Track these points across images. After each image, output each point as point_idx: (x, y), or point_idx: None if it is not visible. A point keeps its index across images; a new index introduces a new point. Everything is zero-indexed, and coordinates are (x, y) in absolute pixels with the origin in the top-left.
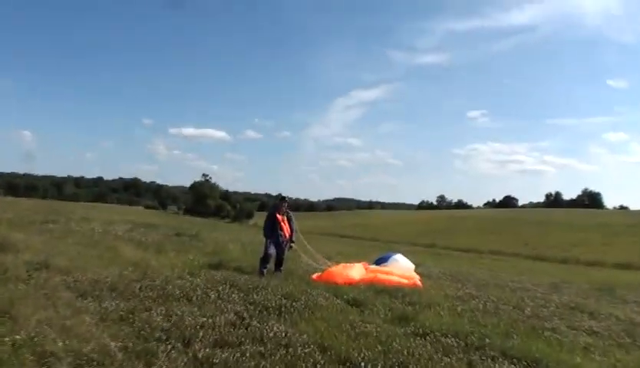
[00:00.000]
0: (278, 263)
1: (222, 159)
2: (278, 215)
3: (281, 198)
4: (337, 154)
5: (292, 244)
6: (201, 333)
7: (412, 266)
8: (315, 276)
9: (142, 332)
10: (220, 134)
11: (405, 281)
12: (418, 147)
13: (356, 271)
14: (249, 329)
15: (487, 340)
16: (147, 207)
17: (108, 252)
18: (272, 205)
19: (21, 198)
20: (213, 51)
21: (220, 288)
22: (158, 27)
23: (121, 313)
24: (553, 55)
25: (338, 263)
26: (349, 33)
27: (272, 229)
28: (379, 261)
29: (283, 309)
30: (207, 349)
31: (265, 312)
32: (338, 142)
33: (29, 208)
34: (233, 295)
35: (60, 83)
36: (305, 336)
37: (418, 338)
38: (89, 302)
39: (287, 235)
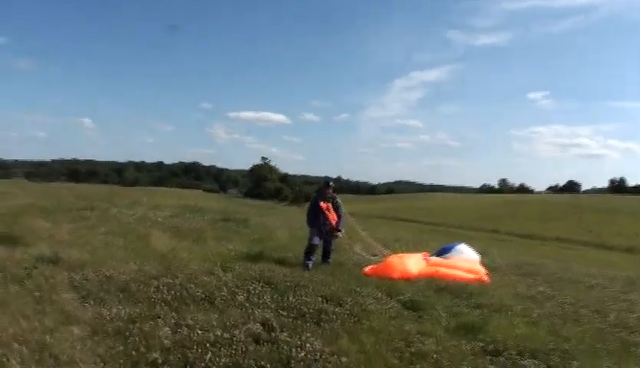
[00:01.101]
0: (326, 254)
1: (282, 142)
2: (321, 203)
3: (325, 183)
4: (397, 136)
5: (339, 233)
6: (209, 355)
7: (477, 257)
8: (367, 269)
9: (134, 352)
10: (279, 117)
11: (470, 276)
12: (479, 129)
13: (415, 264)
14: (274, 346)
15: (574, 363)
16: (207, 190)
17: (137, 242)
18: (316, 191)
19: (81, 183)
20: (271, 35)
21: (252, 287)
22: (216, 11)
23: (120, 323)
24: (616, 35)
25: (394, 252)
26: (407, 13)
27: (315, 217)
28: (441, 252)
29: (323, 316)
30: None
31: (299, 320)
32: (398, 124)
33: (79, 193)
34: (265, 296)
35: (119, 70)
36: (344, 358)
37: (489, 358)
38: (89, 307)
39: (333, 223)
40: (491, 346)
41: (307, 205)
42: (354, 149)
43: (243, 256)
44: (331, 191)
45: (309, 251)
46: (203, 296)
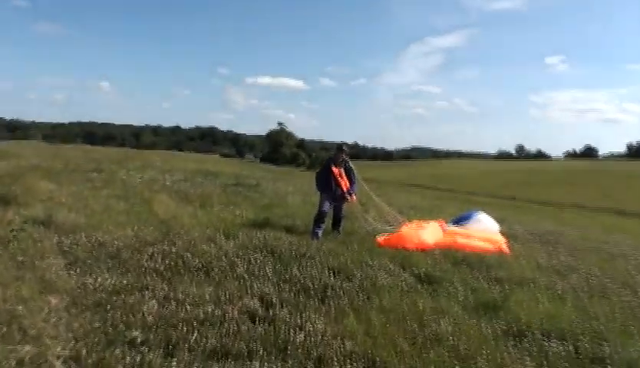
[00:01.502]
0: (336, 221)
1: (299, 107)
2: (334, 168)
3: (338, 148)
4: (413, 102)
5: (351, 197)
6: (195, 335)
7: (496, 227)
8: (380, 239)
9: (112, 328)
10: (296, 83)
11: (489, 247)
12: (496, 94)
13: (431, 233)
14: (271, 325)
15: (606, 347)
16: (224, 155)
17: (140, 206)
18: (329, 157)
19: (97, 146)
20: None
21: (253, 257)
22: None
23: (103, 294)
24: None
25: (409, 220)
26: None
27: (325, 182)
28: (458, 221)
29: (329, 291)
30: (194, 366)
31: (302, 295)
32: (414, 90)
33: (92, 156)
34: (267, 268)
35: (137, 34)
36: (349, 342)
37: (511, 341)
38: (73, 275)
39: (345, 189)
40: (514, 327)
41: (318, 169)
42: (370, 114)
43: (249, 223)
44: (344, 156)
45: (318, 218)
46: (200, 266)
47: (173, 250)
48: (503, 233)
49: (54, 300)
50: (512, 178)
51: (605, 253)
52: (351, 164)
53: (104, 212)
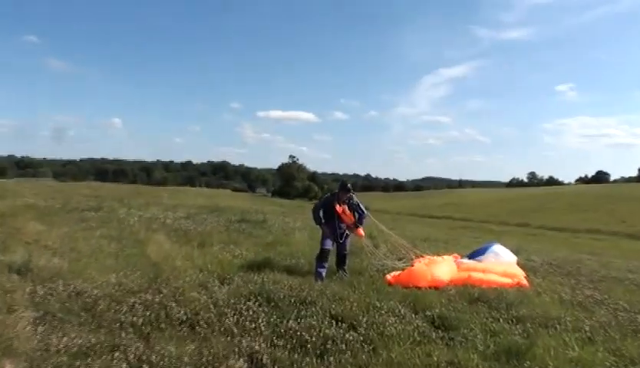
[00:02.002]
0: (340, 259)
1: (311, 140)
2: (336, 206)
3: (342, 187)
4: (425, 132)
5: (357, 228)
6: None
7: (514, 259)
8: (390, 277)
9: None
10: (308, 115)
11: (508, 281)
12: (507, 123)
13: (445, 269)
14: None
15: None
16: (235, 190)
17: (132, 248)
18: (330, 192)
19: (107, 183)
20: (297, 33)
21: (246, 306)
22: (242, 13)
23: (64, 358)
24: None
25: (422, 254)
26: (433, 10)
27: (326, 216)
28: (475, 255)
29: (329, 345)
30: None
31: (298, 352)
32: (425, 121)
33: (97, 193)
34: (260, 319)
35: (149, 71)
36: None
37: None
38: (37, 334)
39: (349, 222)
40: None
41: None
42: (382, 146)
43: (249, 263)
44: (348, 194)
45: (321, 257)
46: (185, 318)
47: (157, 299)
48: (520, 265)
49: (8, 365)
50: (525, 205)
51: (630, 283)
52: (356, 198)
53: (92, 256)
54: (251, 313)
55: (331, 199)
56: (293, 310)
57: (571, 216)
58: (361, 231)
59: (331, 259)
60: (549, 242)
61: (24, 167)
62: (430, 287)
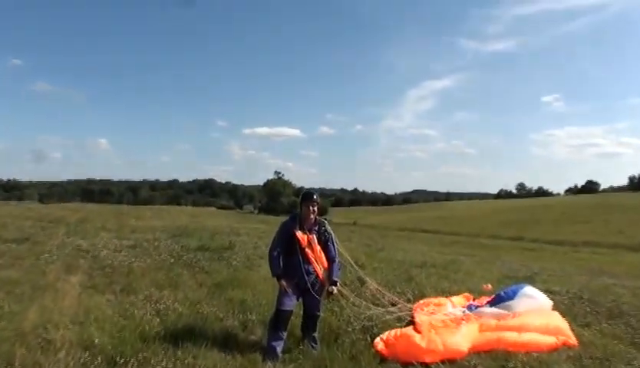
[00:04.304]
0: (309, 322)
1: (297, 156)
2: (298, 234)
3: (304, 197)
4: (412, 146)
5: (334, 288)
6: None
7: (549, 304)
8: (380, 346)
9: None
10: (294, 131)
11: (552, 341)
12: (493, 135)
13: (463, 335)
14: None
15: None
16: (222, 207)
17: (17, 303)
18: (291, 214)
19: (91, 204)
20: (283, 49)
21: None
22: (228, 30)
23: None
24: (625, 33)
25: (422, 296)
26: (417, 23)
27: (286, 258)
28: (498, 301)
29: None
30: None
31: None
32: (412, 134)
33: (52, 217)
34: None
35: (134, 90)
36: None
37: None
38: None
39: (320, 272)
40: None
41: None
42: (369, 160)
43: (171, 327)
44: (313, 211)
45: (276, 322)
46: None
47: None
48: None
49: None
50: (516, 217)
51: None
52: (328, 227)
53: None
54: None
55: (291, 225)
56: None
57: (565, 228)
58: (335, 289)
59: (295, 319)
60: (551, 259)
61: (10, 189)
62: (442, 361)
